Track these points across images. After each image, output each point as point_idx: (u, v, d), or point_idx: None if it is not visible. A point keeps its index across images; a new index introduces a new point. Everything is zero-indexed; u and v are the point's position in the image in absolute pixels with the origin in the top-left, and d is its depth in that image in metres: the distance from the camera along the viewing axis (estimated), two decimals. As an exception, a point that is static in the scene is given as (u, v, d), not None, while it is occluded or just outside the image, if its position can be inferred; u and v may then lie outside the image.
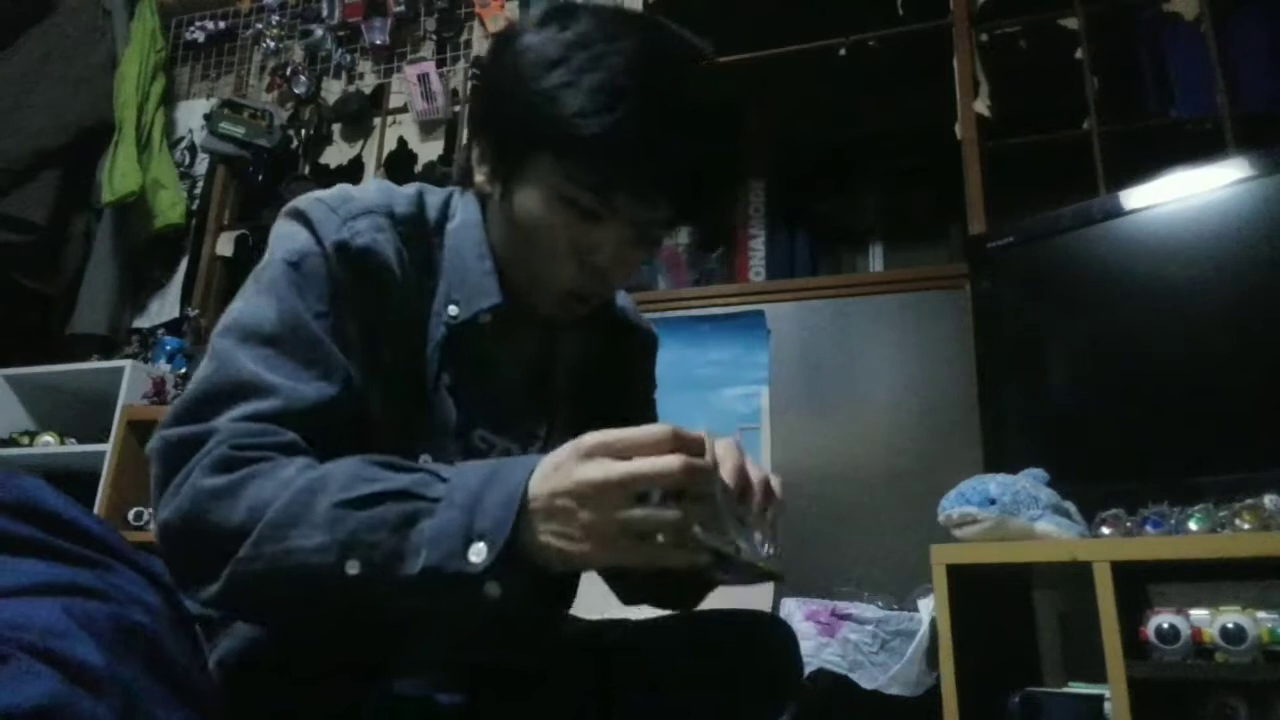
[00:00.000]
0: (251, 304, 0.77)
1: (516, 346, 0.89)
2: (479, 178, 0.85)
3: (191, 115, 3.09)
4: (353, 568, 0.62)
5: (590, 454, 0.61)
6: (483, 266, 0.84)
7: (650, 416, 1.03)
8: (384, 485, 0.64)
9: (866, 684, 1.59)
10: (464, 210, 0.87)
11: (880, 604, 1.72)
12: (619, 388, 0.97)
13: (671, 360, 2.41)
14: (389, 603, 0.64)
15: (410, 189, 0.87)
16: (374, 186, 0.84)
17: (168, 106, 3.04)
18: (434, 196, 0.87)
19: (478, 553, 0.60)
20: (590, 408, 0.91)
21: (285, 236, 0.80)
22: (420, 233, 0.84)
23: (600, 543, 0.60)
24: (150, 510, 2.33)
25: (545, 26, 0.78)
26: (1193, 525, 1.41)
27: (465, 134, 0.85)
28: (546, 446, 0.83)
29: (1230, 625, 1.30)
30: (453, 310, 0.82)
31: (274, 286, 0.77)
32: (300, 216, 0.80)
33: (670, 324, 2.41)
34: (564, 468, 0.62)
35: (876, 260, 3.30)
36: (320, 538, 0.63)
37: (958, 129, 2.28)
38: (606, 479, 0.60)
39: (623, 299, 1.00)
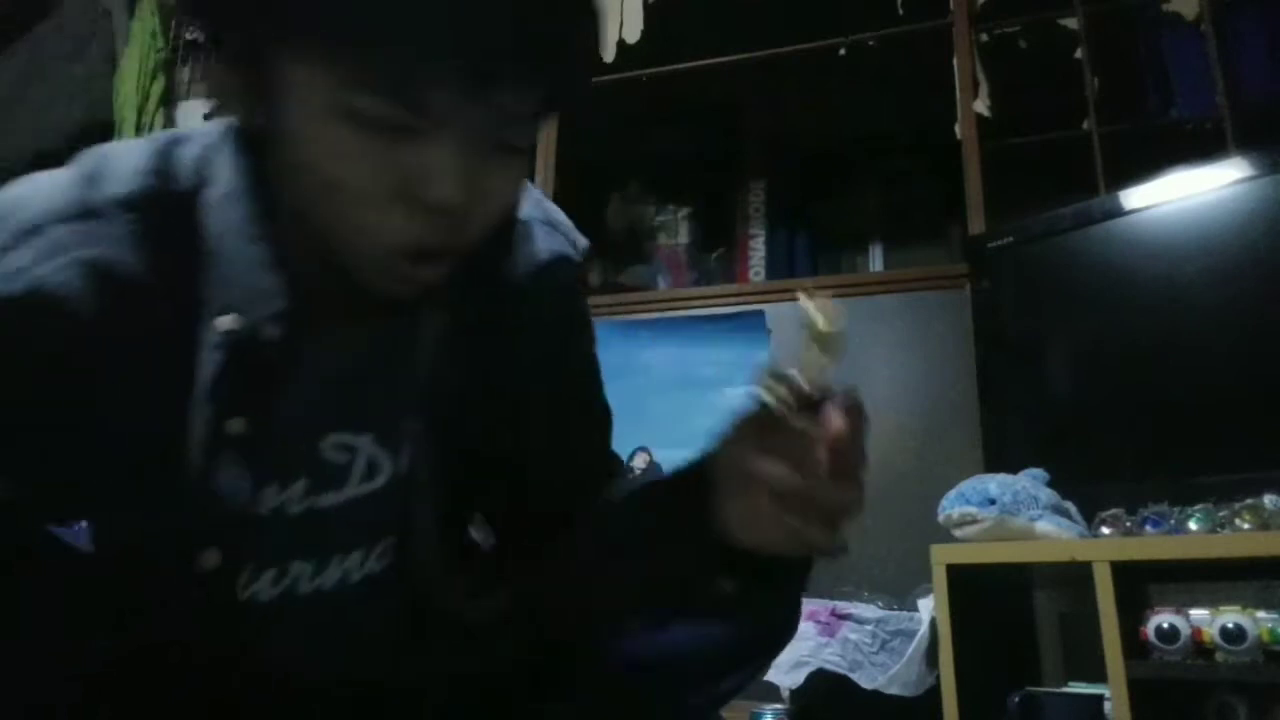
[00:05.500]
0: None
1: (338, 353, 0.62)
2: (238, 108, 0.57)
3: (191, 115, 3.08)
4: None
5: None
6: (254, 254, 0.56)
7: (585, 392, 0.74)
8: None
9: (866, 684, 1.59)
10: (225, 168, 0.58)
11: (880, 604, 1.72)
12: (529, 363, 0.68)
13: (671, 360, 2.44)
14: None
15: (150, 144, 0.59)
16: (78, 169, 0.61)
17: (168, 106, 3.03)
18: (189, 149, 0.58)
19: None
20: (482, 406, 0.66)
21: None
22: (166, 220, 0.56)
23: None
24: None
25: None
26: (1193, 525, 1.41)
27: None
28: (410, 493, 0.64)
29: (1230, 625, 1.30)
30: (225, 324, 0.55)
31: None
32: None
33: (670, 324, 2.41)
34: None
35: (876, 260, 3.29)
36: None
37: (958, 129, 2.28)
38: None
39: (540, 231, 0.69)
